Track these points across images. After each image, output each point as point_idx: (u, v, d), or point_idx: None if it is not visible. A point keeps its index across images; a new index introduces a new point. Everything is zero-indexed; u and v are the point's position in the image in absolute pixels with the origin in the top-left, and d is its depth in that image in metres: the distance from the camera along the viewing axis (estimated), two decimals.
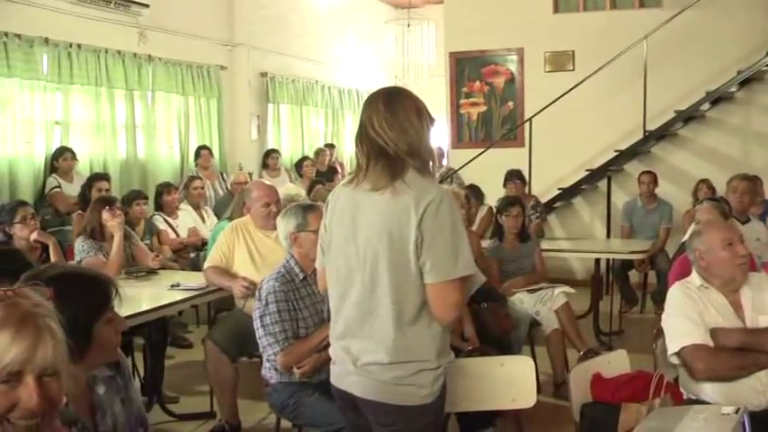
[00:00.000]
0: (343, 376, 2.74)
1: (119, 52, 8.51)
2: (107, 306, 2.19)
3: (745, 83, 9.23)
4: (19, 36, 7.31)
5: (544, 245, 7.23)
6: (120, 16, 8.54)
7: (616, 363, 3.58)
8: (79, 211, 6.97)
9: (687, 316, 3.41)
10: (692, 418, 2.54)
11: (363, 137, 2.66)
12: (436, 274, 2.54)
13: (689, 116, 9.46)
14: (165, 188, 7.89)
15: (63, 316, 1.86)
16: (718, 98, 9.32)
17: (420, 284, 2.57)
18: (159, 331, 5.54)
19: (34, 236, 5.37)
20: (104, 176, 7.45)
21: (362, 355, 2.66)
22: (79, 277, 2.24)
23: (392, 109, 2.63)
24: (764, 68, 8.95)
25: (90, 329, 2.13)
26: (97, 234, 5.72)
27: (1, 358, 1.63)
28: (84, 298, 2.13)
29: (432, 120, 2.72)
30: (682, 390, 3.49)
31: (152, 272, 5.80)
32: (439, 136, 11.39)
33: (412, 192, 2.55)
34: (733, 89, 9.27)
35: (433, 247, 2.53)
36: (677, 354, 3.38)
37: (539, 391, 5.61)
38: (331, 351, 2.83)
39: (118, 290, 2.22)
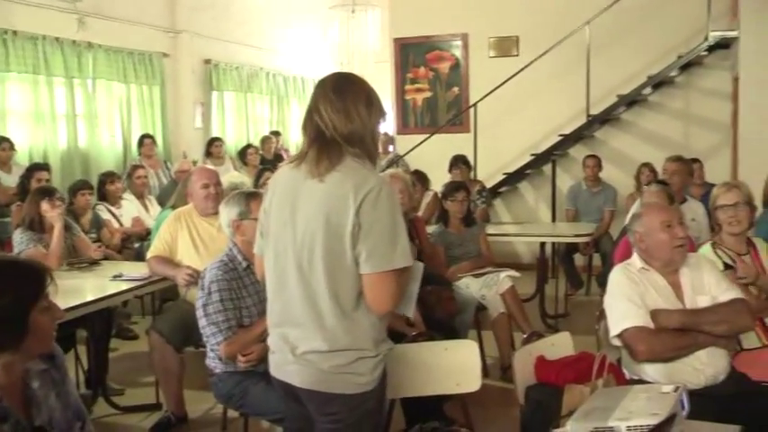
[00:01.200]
0: (281, 366, 2.69)
1: (57, 39, 8.35)
2: (41, 294, 2.16)
3: (685, 67, 9.36)
4: None
5: (490, 229, 7.27)
6: (59, 2, 8.37)
7: (560, 345, 3.61)
8: (18, 203, 6.84)
9: (628, 298, 3.45)
10: (633, 397, 2.56)
11: (308, 119, 2.63)
12: (372, 264, 2.50)
13: (631, 100, 9.59)
14: (107, 177, 7.79)
15: None
16: (659, 82, 9.45)
17: (356, 273, 2.53)
18: (103, 323, 5.45)
19: None
20: (44, 167, 7.32)
21: (300, 344, 2.60)
22: (12, 265, 2.21)
23: (341, 94, 2.59)
24: (703, 53, 9.09)
25: (26, 318, 2.10)
26: (36, 225, 5.61)
27: None
28: (17, 286, 2.11)
29: (383, 113, 2.69)
30: (624, 370, 3.53)
31: (94, 263, 5.73)
32: (385, 122, 11.38)
33: (351, 179, 2.51)
34: (674, 73, 9.40)
35: (371, 236, 2.49)
36: (619, 336, 3.42)
37: (486, 374, 5.69)
38: (269, 340, 2.77)
39: (53, 278, 2.19)
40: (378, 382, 2.64)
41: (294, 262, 2.60)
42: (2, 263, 2.20)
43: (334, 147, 2.56)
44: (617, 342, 3.47)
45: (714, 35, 8.81)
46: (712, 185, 5.71)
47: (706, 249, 4.22)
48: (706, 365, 3.36)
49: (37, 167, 7.21)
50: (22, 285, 2.12)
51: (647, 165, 8.27)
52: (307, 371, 2.60)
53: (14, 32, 7.79)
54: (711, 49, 9.03)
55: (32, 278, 2.15)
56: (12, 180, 7.26)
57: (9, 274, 2.12)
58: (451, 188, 6.44)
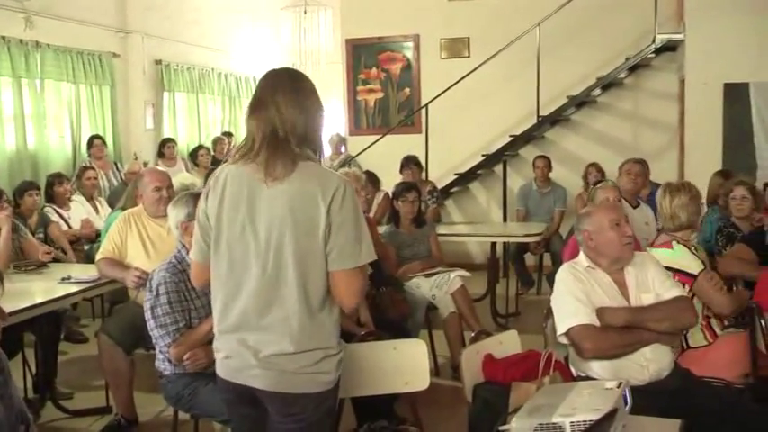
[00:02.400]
0: (241, 370, 2.64)
1: (3, 38, 8.20)
2: None
3: (633, 69, 9.50)
4: None
5: (441, 230, 7.32)
6: (6, 0, 8.23)
7: (507, 343, 3.65)
8: None
9: (575, 296, 3.50)
10: (578, 393, 2.61)
11: (260, 112, 2.58)
12: (342, 261, 2.55)
13: (581, 101, 9.70)
14: (56, 179, 7.71)
15: None
16: (608, 84, 9.56)
17: (326, 271, 2.57)
18: (51, 326, 5.41)
19: None
20: None
21: (264, 347, 2.59)
22: None
23: (298, 91, 2.61)
24: (651, 55, 9.23)
25: None
26: None
27: None
28: None
29: (323, 110, 2.69)
30: (572, 368, 3.58)
31: (42, 265, 5.67)
32: (337, 122, 11.39)
33: (316, 179, 2.54)
34: (622, 75, 9.54)
35: (340, 235, 2.53)
36: (566, 333, 3.47)
37: (437, 373, 5.75)
38: (221, 345, 2.71)
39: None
40: (338, 379, 2.68)
41: (257, 266, 2.58)
42: None
43: (288, 147, 2.55)
44: (564, 340, 3.52)
45: (661, 38, 8.95)
46: (657, 185, 5.83)
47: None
48: (650, 361, 3.43)
49: None
50: None
51: (594, 165, 8.40)
52: (271, 374, 2.58)
53: None
54: (658, 51, 9.17)
55: None
56: None
57: None
58: (402, 189, 6.47)
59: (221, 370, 2.73)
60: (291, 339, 2.56)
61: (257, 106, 2.60)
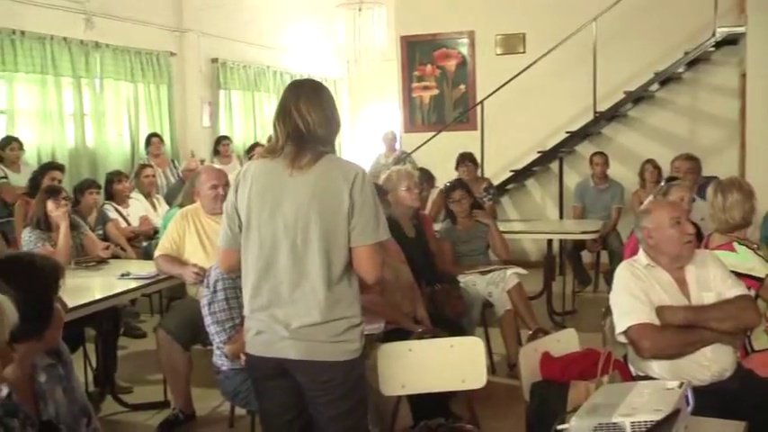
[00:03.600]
0: (273, 343, 2.89)
1: (65, 39, 8.36)
2: (58, 284, 2.27)
3: (692, 63, 9.33)
4: None
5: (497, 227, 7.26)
6: (66, 2, 8.38)
7: (565, 341, 3.61)
8: (23, 198, 6.87)
9: (633, 294, 3.45)
10: (637, 393, 2.57)
11: (286, 116, 2.89)
12: (365, 237, 2.85)
13: (638, 97, 9.57)
14: (115, 177, 7.82)
15: (24, 295, 2.00)
16: (666, 78, 9.42)
17: (347, 247, 2.86)
18: (111, 321, 5.48)
19: None
20: (57, 166, 7.32)
21: (293, 320, 2.85)
22: (31, 258, 2.31)
23: (319, 98, 2.92)
24: (711, 49, 9.06)
25: (51, 305, 2.22)
26: (43, 224, 5.66)
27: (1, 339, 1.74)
28: (42, 276, 2.23)
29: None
30: (630, 367, 3.53)
31: (102, 261, 5.76)
32: (391, 120, 11.39)
33: (337, 168, 2.87)
34: (680, 70, 9.37)
35: (363, 214, 2.84)
36: (624, 332, 3.42)
37: (493, 371, 5.72)
38: (253, 323, 2.96)
39: (64, 272, 2.28)
40: (362, 350, 2.95)
41: (286, 247, 2.86)
42: (23, 257, 2.33)
43: (310, 144, 2.86)
44: (622, 339, 3.46)
45: (721, 31, 8.78)
46: (707, 180, 5.70)
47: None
48: (711, 362, 3.35)
49: (50, 167, 7.21)
50: (45, 276, 2.24)
51: (650, 161, 8.24)
52: (302, 344, 2.85)
53: (22, 33, 7.79)
54: (718, 45, 9.00)
55: (52, 270, 2.27)
56: (21, 179, 7.27)
57: (34, 266, 2.23)
58: (449, 188, 6.45)
59: (251, 347, 2.99)
60: (319, 310, 2.84)
61: (282, 113, 2.92)
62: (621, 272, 3.60)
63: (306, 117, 2.85)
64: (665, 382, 2.69)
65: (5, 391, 2.03)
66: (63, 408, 2.30)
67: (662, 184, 5.67)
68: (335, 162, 2.91)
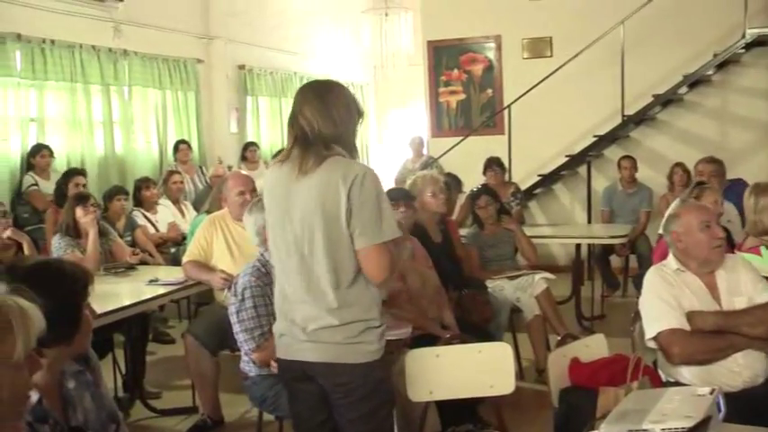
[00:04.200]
0: (292, 346, 2.92)
1: (93, 47, 8.43)
2: (87, 290, 2.28)
3: (721, 66, 9.24)
4: None
5: (525, 231, 7.21)
6: (95, 11, 8.45)
7: (594, 347, 3.58)
8: (53, 206, 6.93)
9: (663, 299, 3.42)
10: (668, 399, 2.53)
11: (293, 122, 2.89)
12: (365, 239, 2.79)
13: (667, 100, 9.48)
14: (143, 183, 7.88)
15: (53, 301, 2.01)
16: (695, 81, 9.33)
17: (353, 251, 2.81)
18: (139, 327, 5.52)
19: (8, 233, 5.33)
20: (80, 171, 7.43)
21: (310, 323, 2.85)
22: (60, 264, 2.33)
23: (322, 99, 2.86)
24: (740, 51, 8.97)
25: (79, 312, 2.23)
26: (73, 231, 5.70)
27: (27, 345, 1.72)
28: (70, 282, 2.23)
29: (360, 113, 2.96)
30: (660, 373, 3.50)
31: (130, 267, 5.79)
32: (418, 124, 11.38)
33: (338, 170, 2.79)
34: (710, 72, 9.28)
35: (361, 215, 2.77)
36: (654, 338, 3.38)
37: (521, 377, 5.68)
38: (278, 326, 3.02)
39: (93, 278, 2.29)
40: (383, 351, 2.90)
41: (296, 252, 2.87)
42: (52, 263, 2.36)
43: (316, 146, 2.82)
44: (652, 344, 3.44)
45: (751, 32, 8.69)
46: (732, 183, 5.62)
47: None
48: (743, 368, 3.31)
49: (74, 172, 7.30)
50: (73, 282, 2.24)
51: (679, 165, 8.14)
52: (320, 346, 2.85)
53: (52, 41, 7.86)
54: (749, 46, 8.91)
55: (81, 276, 2.28)
56: (51, 187, 7.33)
57: (62, 273, 2.24)
58: (474, 194, 6.44)
59: (279, 350, 3.03)
60: (332, 313, 2.82)
61: (290, 117, 2.92)
62: (651, 276, 3.57)
63: (310, 119, 2.83)
64: (696, 389, 2.65)
65: (35, 397, 2.04)
66: (91, 414, 2.31)
67: (691, 187, 5.59)
68: (339, 164, 2.82)
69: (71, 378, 2.30)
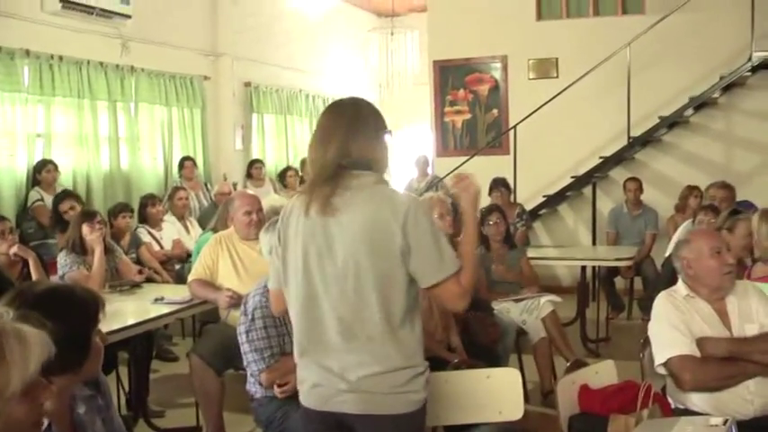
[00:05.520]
0: (330, 397, 2.65)
1: (101, 63, 8.44)
2: (98, 317, 2.24)
3: (727, 88, 9.27)
4: None
5: (530, 252, 7.21)
6: (103, 27, 8.47)
7: (603, 373, 3.56)
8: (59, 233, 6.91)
9: (673, 325, 3.40)
10: (681, 430, 2.52)
11: (324, 144, 2.66)
12: (429, 277, 2.60)
13: (673, 122, 9.50)
14: (149, 200, 7.87)
15: (62, 328, 1.98)
16: (701, 103, 9.36)
17: (406, 290, 2.61)
18: (144, 345, 5.50)
19: (14, 249, 5.32)
20: (70, 194, 7.26)
21: (352, 371, 2.61)
22: (71, 290, 2.29)
23: (361, 119, 2.69)
24: (746, 74, 8.99)
25: (89, 339, 2.19)
26: (79, 248, 5.69)
27: (23, 373, 1.66)
28: (81, 310, 2.19)
29: (387, 127, 2.78)
30: (669, 399, 3.48)
31: (136, 285, 5.79)
32: (424, 144, 11.38)
33: (385, 204, 2.60)
34: (716, 95, 9.31)
35: (420, 254, 2.58)
36: (664, 364, 3.37)
37: (526, 400, 5.60)
38: (306, 374, 2.75)
39: (104, 303, 2.27)
40: (426, 398, 2.69)
41: (337, 292, 2.62)
42: (63, 289, 2.30)
43: (352, 174, 2.63)
44: (662, 370, 3.42)
45: (758, 55, 8.73)
46: (739, 204, 5.58)
47: None
48: (755, 395, 3.29)
49: (65, 196, 7.15)
50: (84, 309, 2.21)
51: (695, 188, 8.04)
52: (363, 397, 2.61)
53: (60, 57, 7.88)
54: (755, 69, 8.93)
55: (92, 302, 2.24)
56: None
57: (73, 299, 2.21)
58: (485, 212, 6.43)
59: (308, 399, 2.74)
60: (378, 360, 2.59)
61: (319, 140, 2.70)
62: (661, 302, 3.56)
63: (345, 144, 2.63)
64: (709, 419, 2.65)
65: (45, 423, 2.02)
66: None
67: (724, 216, 5.42)
68: (383, 196, 2.63)
69: (82, 403, 2.28)
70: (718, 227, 5.10)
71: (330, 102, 9.71)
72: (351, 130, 2.66)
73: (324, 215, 2.62)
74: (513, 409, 3.51)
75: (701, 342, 3.34)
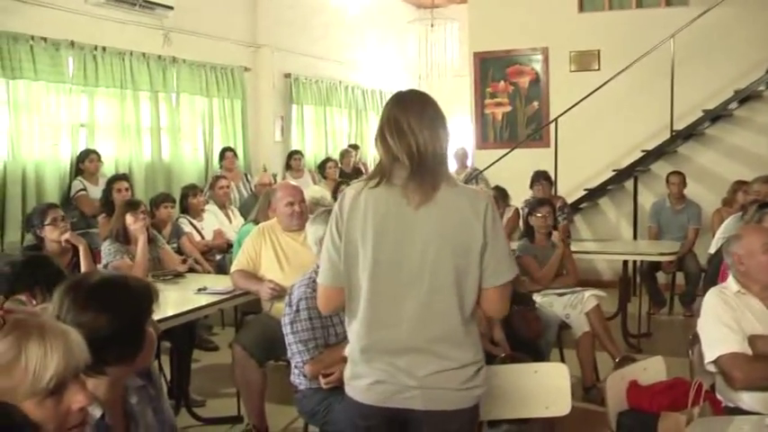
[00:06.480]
0: (396, 394, 2.60)
1: (143, 54, 8.50)
2: (151, 308, 2.26)
3: None
4: (45, 39, 7.30)
5: (571, 246, 7.14)
6: (145, 18, 8.53)
7: (652, 370, 3.52)
8: (103, 215, 6.98)
9: (723, 322, 3.35)
10: (736, 428, 2.48)
11: (397, 134, 2.58)
12: (498, 277, 2.60)
13: (717, 115, 9.36)
14: (190, 190, 7.91)
15: (118, 319, 2.05)
16: (746, 97, 9.21)
17: (477, 288, 2.60)
18: (186, 335, 5.52)
19: (66, 236, 5.35)
20: (123, 177, 7.43)
21: (422, 367, 2.58)
22: (125, 281, 2.28)
23: (427, 114, 2.63)
24: None
25: (143, 330, 2.21)
26: (122, 237, 5.74)
27: (43, 373, 1.66)
28: (136, 301, 2.21)
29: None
30: (719, 397, 3.42)
31: (178, 275, 5.82)
32: (463, 136, 11.34)
33: (465, 200, 2.59)
34: (761, 87, 9.15)
35: (495, 252, 2.59)
36: (714, 362, 3.32)
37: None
38: (367, 371, 2.66)
39: (158, 295, 2.27)
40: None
41: (413, 287, 2.58)
42: (118, 280, 2.27)
43: (432, 169, 2.57)
44: (712, 368, 3.37)
45: None
46: None
47: None
48: None
49: (117, 178, 7.33)
50: (139, 301, 2.21)
51: (744, 182, 7.82)
52: (432, 393, 2.59)
53: (103, 48, 7.95)
54: None
55: (146, 294, 2.25)
56: (99, 192, 7.36)
57: (127, 290, 2.21)
58: (536, 203, 6.40)
59: (368, 396, 2.66)
60: (450, 357, 2.59)
61: (391, 131, 2.60)
62: (711, 299, 3.51)
63: (418, 136, 2.56)
64: (765, 418, 2.60)
65: (99, 412, 2.03)
66: (153, 430, 2.31)
67: (753, 210, 5.42)
68: (461, 193, 2.61)
69: (134, 393, 2.29)
70: (747, 221, 5.04)
71: (370, 93, 9.70)
72: (434, 124, 2.61)
73: (402, 209, 2.57)
74: (561, 405, 3.48)
75: (752, 340, 3.29)
